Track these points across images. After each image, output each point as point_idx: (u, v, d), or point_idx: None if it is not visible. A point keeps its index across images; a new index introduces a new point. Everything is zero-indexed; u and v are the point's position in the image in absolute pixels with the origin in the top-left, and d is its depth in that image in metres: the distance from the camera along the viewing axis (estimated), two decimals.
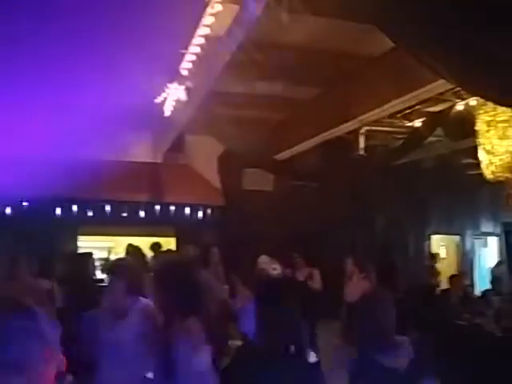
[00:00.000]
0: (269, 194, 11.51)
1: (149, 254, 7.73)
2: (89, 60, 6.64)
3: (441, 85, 5.78)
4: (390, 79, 6.58)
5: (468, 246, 13.16)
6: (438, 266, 10.62)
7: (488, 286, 8.25)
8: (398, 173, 10.61)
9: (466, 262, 12.95)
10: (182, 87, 7.59)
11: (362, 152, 9.38)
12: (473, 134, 7.24)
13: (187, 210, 11.31)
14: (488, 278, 9.19)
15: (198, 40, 6.18)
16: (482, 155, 7.12)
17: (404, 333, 2.87)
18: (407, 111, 8.11)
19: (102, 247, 10.81)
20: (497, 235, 13.52)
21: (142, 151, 11.51)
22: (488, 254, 13.49)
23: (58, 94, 7.52)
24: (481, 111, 6.99)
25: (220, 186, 11.57)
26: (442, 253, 12.50)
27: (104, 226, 10.70)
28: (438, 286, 7.99)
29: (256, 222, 10.40)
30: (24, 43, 5.98)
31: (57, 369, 1.55)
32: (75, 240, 10.48)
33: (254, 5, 5.11)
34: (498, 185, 7.41)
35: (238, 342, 3.06)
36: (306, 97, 8.73)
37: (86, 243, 10.35)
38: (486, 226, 13.28)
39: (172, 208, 11.21)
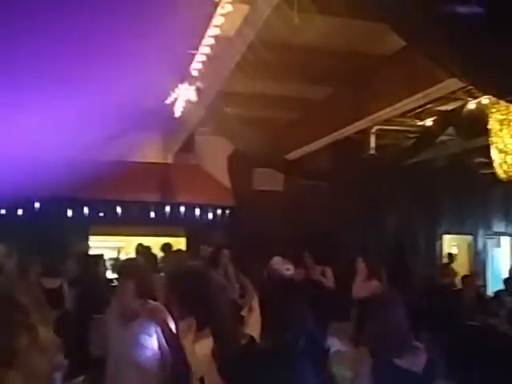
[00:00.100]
0: (279, 193, 11.49)
1: (159, 254, 7.75)
2: (100, 60, 6.67)
3: (453, 83, 5.73)
4: (401, 78, 6.54)
5: (480, 245, 13.04)
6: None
7: (501, 287, 8.17)
8: (410, 172, 10.55)
9: (478, 262, 12.84)
10: (193, 88, 7.59)
11: (373, 151, 9.33)
12: (485, 132, 7.17)
13: (197, 211, 11.33)
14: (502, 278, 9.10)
15: (208, 40, 6.18)
16: (494, 154, 7.05)
17: (417, 334, 2.85)
18: (418, 110, 8.06)
19: (113, 247, 10.88)
20: (510, 235, 13.39)
21: (152, 152, 11.55)
22: (501, 254, 13.36)
23: (69, 94, 7.55)
24: (493, 110, 6.93)
25: (230, 186, 11.58)
26: (454, 252, 12.40)
27: (115, 226, 10.75)
28: (454, 285, 7.92)
29: (266, 221, 10.39)
30: (36, 41, 6.01)
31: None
32: (86, 240, 10.54)
33: (264, 5, 5.10)
34: (510, 184, 7.34)
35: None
36: (317, 96, 8.71)
37: (96, 243, 10.43)
38: (499, 226, 13.16)
39: (182, 208, 11.24)
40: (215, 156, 11.40)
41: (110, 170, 10.20)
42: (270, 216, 10.53)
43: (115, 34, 5.75)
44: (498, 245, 13.51)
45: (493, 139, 7.01)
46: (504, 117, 6.77)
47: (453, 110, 8.14)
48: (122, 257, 10.05)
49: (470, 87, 6.24)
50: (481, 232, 13.00)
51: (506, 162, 6.87)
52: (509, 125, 6.74)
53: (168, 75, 7.56)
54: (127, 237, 10.61)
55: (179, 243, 10.07)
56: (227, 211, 11.48)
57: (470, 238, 13.03)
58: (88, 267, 6.28)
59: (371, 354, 2.63)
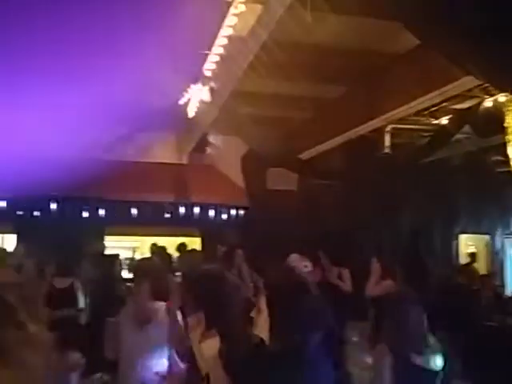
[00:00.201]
0: (293, 193, 11.47)
1: (174, 254, 7.79)
2: (113, 60, 6.71)
3: (468, 81, 5.67)
4: (415, 76, 6.49)
5: (498, 245, 12.86)
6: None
7: None
8: (425, 171, 10.45)
9: (495, 261, 12.67)
10: (206, 88, 7.62)
11: (387, 150, 9.27)
12: (502, 130, 7.08)
13: (212, 211, 11.36)
14: None
15: (221, 40, 6.20)
16: (511, 152, 6.96)
17: (434, 333, 2.84)
18: (434, 108, 7.98)
19: (129, 247, 10.96)
20: None
21: (166, 152, 11.62)
22: None
23: (84, 94, 7.62)
24: (510, 107, 6.84)
25: (244, 186, 11.59)
26: (472, 252, 12.25)
27: (130, 226, 10.83)
28: (472, 285, 7.83)
29: (280, 221, 10.38)
30: (49, 40, 6.05)
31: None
32: (102, 240, 10.63)
33: (277, 4, 5.09)
34: None
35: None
36: (330, 96, 8.67)
37: (112, 243, 10.51)
38: None
39: (197, 208, 11.28)
40: (229, 156, 11.42)
41: (126, 171, 10.29)
42: (284, 215, 10.51)
43: (129, 35, 5.78)
44: None
45: (509, 137, 6.91)
46: None
47: (469, 108, 8.04)
48: (138, 257, 10.12)
49: (487, 85, 6.16)
50: (498, 231, 12.82)
51: None
52: None
53: (181, 75, 7.59)
54: (142, 237, 10.68)
55: (194, 243, 10.11)
56: (241, 211, 11.49)
57: (487, 237, 12.86)
58: (104, 267, 6.33)
59: (390, 351, 2.63)
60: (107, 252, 8.45)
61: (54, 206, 10.64)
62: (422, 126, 9.22)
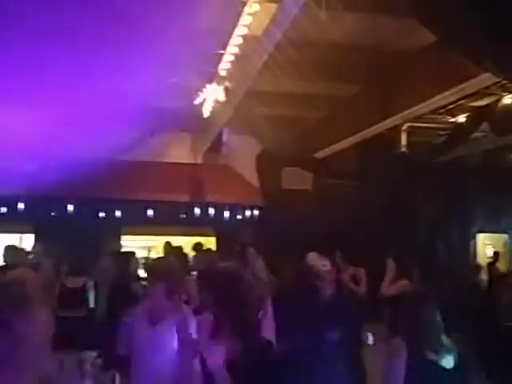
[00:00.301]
0: (308, 192, 11.43)
1: (190, 253, 7.81)
2: (129, 61, 6.76)
3: (486, 78, 5.59)
4: (432, 74, 6.42)
5: None
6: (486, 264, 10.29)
7: None
8: (442, 170, 10.33)
9: None
10: (221, 87, 7.63)
11: (404, 149, 9.19)
12: None
13: (227, 210, 11.38)
14: None
15: (236, 40, 6.20)
16: None
17: (450, 333, 2.82)
18: (451, 106, 7.89)
19: (145, 246, 11.03)
20: None
21: (182, 152, 11.67)
22: None
23: (100, 95, 7.69)
24: None
25: (259, 186, 11.59)
26: (489, 252, 12.09)
27: (146, 225, 10.91)
28: (491, 285, 7.73)
29: (295, 220, 10.35)
30: (65, 41, 6.10)
31: None
32: (118, 239, 10.72)
33: (291, 3, 5.08)
34: None
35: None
36: (346, 94, 8.63)
37: (128, 242, 10.60)
38: None
39: (212, 208, 11.32)
40: (244, 156, 11.43)
41: (141, 171, 10.37)
42: (299, 215, 10.48)
43: (144, 35, 5.81)
44: None
45: None
46: None
47: (486, 106, 7.93)
48: (153, 256, 10.18)
49: (505, 82, 6.07)
50: None
51: None
52: None
53: (196, 75, 7.62)
54: (158, 236, 10.75)
55: (209, 243, 10.14)
56: (256, 210, 11.50)
57: (505, 236, 12.67)
58: (120, 265, 6.36)
59: (406, 347, 2.63)
60: (124, 250, 8.51)
61: (71, 206, 10.76)
62: (439, 125, 9.12)
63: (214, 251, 8.24)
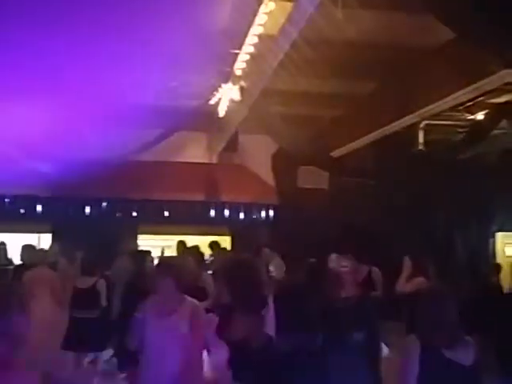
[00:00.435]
0: (324, 191, 11.38)
1: (206, 252, 7.83)
2: (144, 61, 6.79)
3: (506, 74, 5.48)
4: (450, 71, 6.33)
5: None
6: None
7: None
8: (460, 168, 10.20)
9: None
10: (236, 87, 7.62)
11: (421, 147, 9.08)
12: None
13: (242, 210, 11.38)
14: None
15: (251, 39, 6.18)
16: None
17: (468, 332, 2.79)
18: (469, 103, 7.77)
19: (161, 246, 11.08)
20: None
21: (197, 152, 11.70)
22: None
23: (115, 95, 7.74)
24: None
25: (274, 185, 11.57)
26: (508, 251, 11.91)
27: (162, 225, 10.97)
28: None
29: (311, 220, 10.31)
30: (82, 42, 6.14)
31: None
32: (135, 239, 10.80)
33: (307, 2, 5.04)
34: None
35: None
36: (362, 92, 8.56)
37: (145, 242, 10.66)
38: None
39: (227, 207, 11.33)
40: (259, 155, 11.42)
41: (157, 171, 10.43)
42: (316, 214, 10.43)
43: (160, 35, 5.83)
44: None
45: None
46: None
47: (506, 103, 7.80)
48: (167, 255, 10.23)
49: None
50: None
51: None
52: None
53: (212, 75, 7.62)
54: (174, 236, 10.80)
55: (224, 242, 10.15)
56: (272, 210, 11.48)
57: None
58: (135, 263, 6.40)
59: (421, 344, 2.60)
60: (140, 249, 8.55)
61: (88, 206, 10.88)
62: (457, 122, 9.00)
63: (229, 250, 8.27)
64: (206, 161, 11.78)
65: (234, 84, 7.64)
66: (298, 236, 9.93)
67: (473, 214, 11.54)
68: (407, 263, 6.33)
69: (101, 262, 6.46)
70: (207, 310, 3.56)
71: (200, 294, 4.64)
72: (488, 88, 6.37)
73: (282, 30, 5.77)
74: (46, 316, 3.54)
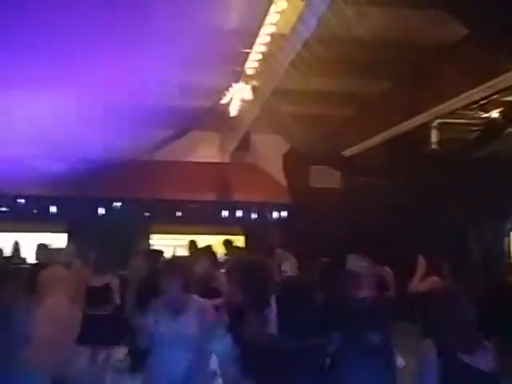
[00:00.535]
0: (336, 191, 11.34)
1: (220, 250, 7.84)
2: (155, 61, 6.80)
3: None
4: (463, 69, 6.27)
5: None
6: None
7: None
8: (474, 166, 10.09)
9: None
10: (248, 86, 7.63)
11: (434, 146, 9.01)
12: None
13: (255, 209, 11.39)
14: None
15: (263, 38, 6.19)
16: None
17: (486, 334, 2.74)
18: (483, 101, 7.69)
19: (173, 245, 11.14)
20: None
21: (209, 152, 11.73)
22: None
23: (126, 96, 7.78)
24: None
25: (286, 184, 11.55)
26: None
27: (174, 225, 11.02)
28: None
29: (323, 219, 10.28)
30: (96, 37, 6.16)
31: None
32: (148, 239, 10.86)
33: (318, 1, 5.03)
34: None
35: None
36: (374, 91, 8.51)
37: (158, 241, 10.71)
38: None
39: (240, 207, 11.34)
40: (271, 154, 11.41)
41: (169, 171, 10.48)
42: (328, 213, 10.40)
43: (171, 35, 5.84)
44: None
45: None
46: None
47: None
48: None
49: None
50: None
51: None
52: None
53: (223, 75, 7.63)
54: (186, 235, 10.83)
55: (238, 241, 10.16)
56: (284, 209, 11.47)
57: None
58: (148, 263, 6.43)
59: (438, 349, 2.54)
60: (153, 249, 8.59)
61: (102, 206, 10.99)
62: (471, 120, 8.91)
63: (243, 248, 8.28)
64: (218, 160, 11.80)
65: (246, 83, 7.65)
66: (309, 235, 9.91)
67: (487, 213, 11.42)
68: (421, 262, 6.28)
69: (114, 261, 6.51)
70: (218, 308, 3.57)
71: (213, 293, 4.66)
72: (502, 86, 6.30)
73: (294, 29, 5.77)
74: (60, 314, 3.60)
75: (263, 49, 6.46)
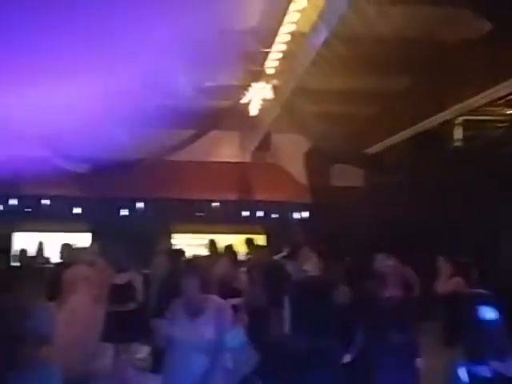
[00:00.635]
0: (358, 190, 11.25)
1: (241, 250, 7.86)
2: (176, 61, 6.83)
3: None
4: (488, 64, 6.15)
5: None
6: None
7: None
8: (499, 164, 9.88)
9: None
10: (269, 86, 7.63)
11: (460, 143, 8.86)
12: None
13: (276, 208, 11.38)
14: None
15: (283, 37, 6.17)
16: None
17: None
18: (509, 97, 7.53)
19: (195, 245, 11.21)
20: None
21: (230, 151, 11.75)
22: None
23: (148, 96, 7.83)
24: None
25: (307, 184, 11.51)
26: None
27: (196, 224, 11.09)
28: None
29: (346, 218, 10.20)
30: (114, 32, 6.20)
31: None
32: (169, 238, 10.95)
33: None
34: None
35: None
36: (397, 88, 8.41)
37: (180, 241, 10.79)
38: None
39: (261, 206, 11.35)
40: (292, 153, 11.38)
41: (190, 171, 10.55)
42: (350, 213, 10.32)
43: (191, 35, 5.86)
44: None
45: None
46: None
47: None
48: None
49: None
50: None
51: None
52: None
53: (243, 74, 7.64)
54: (208, 234, 10.89)
55: (259, 240, 10.17)
56: (305, 209, 11.43)
57: None
58: (170, 262, 6.48)
59: (466, 354, 2.50)
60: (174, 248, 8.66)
61: (126, 207, 11.14)
62: (496, 117, 8.74)
63: (265, 247, 8.28)
64: (239, 160, 11.82)
65: (266, 83, 7.64)
66: (331, 235, 9.85)
67: None
68: (443, 264, 6.24)
69: (136, 260, 6.58)
70: (238, 308, 3.57)
71: (233, 293, 4.67)
72: None
73: (314, 28, 5.74)
74: (84, 313, 3.65)
75: (283, 48, 6.44)
